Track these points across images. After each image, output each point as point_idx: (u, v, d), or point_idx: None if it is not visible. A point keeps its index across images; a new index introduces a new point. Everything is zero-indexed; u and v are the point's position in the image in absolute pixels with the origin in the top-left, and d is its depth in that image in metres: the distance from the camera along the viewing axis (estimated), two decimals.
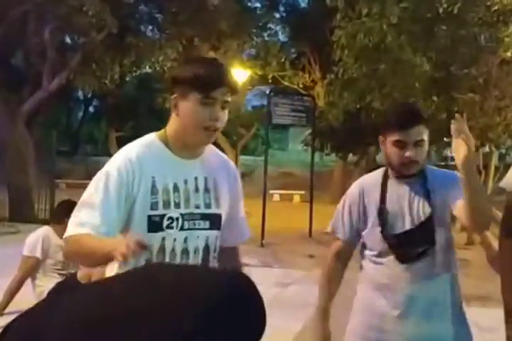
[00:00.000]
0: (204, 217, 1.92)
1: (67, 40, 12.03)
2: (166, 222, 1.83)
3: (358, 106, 10.03)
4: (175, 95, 1.86)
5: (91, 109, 30.88)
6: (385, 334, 2.35)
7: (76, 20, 8.80)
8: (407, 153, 2.30)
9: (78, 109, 32.07)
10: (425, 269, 2.35)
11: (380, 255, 2.40)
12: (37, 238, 4.31)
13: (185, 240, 1.88)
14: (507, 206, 2.47)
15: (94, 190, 1.77)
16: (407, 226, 2.36)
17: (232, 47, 11.75)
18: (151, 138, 1.92)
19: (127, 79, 13.94)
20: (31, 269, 4.31)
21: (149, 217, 1.82)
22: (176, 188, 1.87)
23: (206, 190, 1.94)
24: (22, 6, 9.28)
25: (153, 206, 1.83)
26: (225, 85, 1.84)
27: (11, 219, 10.70)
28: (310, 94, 11.83)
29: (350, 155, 17.74)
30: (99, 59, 11.43)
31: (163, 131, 1.92)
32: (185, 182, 1.89)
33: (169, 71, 10.01)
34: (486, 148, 9.94)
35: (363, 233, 2.44)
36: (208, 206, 1.93)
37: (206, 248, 1.92)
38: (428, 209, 2.34)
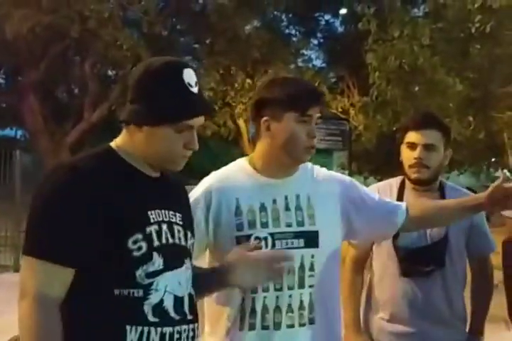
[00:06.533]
0: (297, 235, 1.86)
1: (109, 72, 12.43)
2: (253, 242, 1.81)
3: (394, 129, 9.96)
4: (266, 118, 1.87)
5: None
6: None
7: (112, 54, 9.10)
8: (416, 154, 2.29)
9: None
10: (426, 287, 2.32)
11: (385, 265, 2.37)
12: None
13: None
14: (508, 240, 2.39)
15: None
16: (419, 242, 2.32)
17: (266, 75, 11.92)
18: (240, 162, 1.97)
19: None
20: None
21: (237, 237, 1.82)
22: (262, 208, 1.86)
23: (298, 207, 1.89)
24: (62, 41, 9.68)
25: (239, 227, 1.83)
26: (319, 102, 1.89)
27: None
28: (346, 117, 11.83)
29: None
30: None
31: (252, 154, 1.96)
32: (274, 201, 1.88)
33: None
34: None
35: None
36: (300, 224, 1.88)
37: (301, 267, 1.86)
38: (443, 229, 2.31)
